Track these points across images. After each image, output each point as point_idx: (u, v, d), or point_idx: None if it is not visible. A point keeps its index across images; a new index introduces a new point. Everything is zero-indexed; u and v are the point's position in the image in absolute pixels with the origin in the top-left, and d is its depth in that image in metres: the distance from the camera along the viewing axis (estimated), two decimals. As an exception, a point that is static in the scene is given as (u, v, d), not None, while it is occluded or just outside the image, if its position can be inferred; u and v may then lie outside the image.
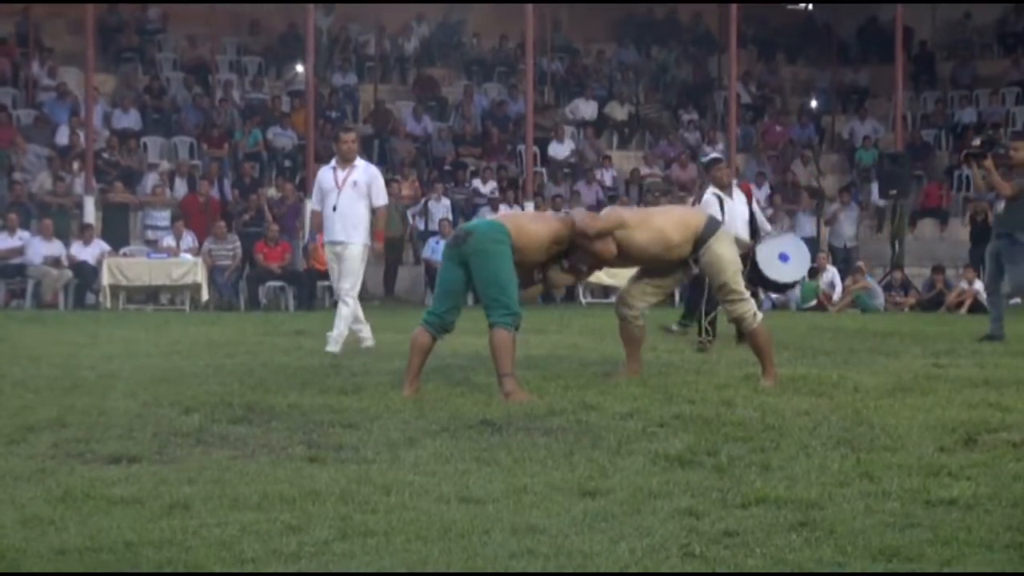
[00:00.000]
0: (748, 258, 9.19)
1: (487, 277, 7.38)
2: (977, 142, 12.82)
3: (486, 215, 18.66)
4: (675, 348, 10.51)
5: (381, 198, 10.62)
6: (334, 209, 10.38)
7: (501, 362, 7.31)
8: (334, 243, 10.48)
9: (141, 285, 18.43)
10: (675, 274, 8.27)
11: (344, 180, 10.42)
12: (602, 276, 19.09)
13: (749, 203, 11.26)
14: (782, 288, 10.31)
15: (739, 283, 8.00)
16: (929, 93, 26.98)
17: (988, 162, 11.87)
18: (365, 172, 10.60)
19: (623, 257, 7.96)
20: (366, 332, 10.73)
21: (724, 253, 7.94)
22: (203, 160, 21.93)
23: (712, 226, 8.02)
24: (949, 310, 18.46)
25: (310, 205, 10.87)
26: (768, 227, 11.30)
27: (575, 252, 7.82)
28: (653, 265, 8.12)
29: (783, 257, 8.91)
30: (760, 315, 8.12)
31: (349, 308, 10.49)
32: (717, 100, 26.27)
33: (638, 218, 8.07)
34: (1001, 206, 11.90)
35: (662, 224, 7.98)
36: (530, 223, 7.81)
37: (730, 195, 11.13)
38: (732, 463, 5.34)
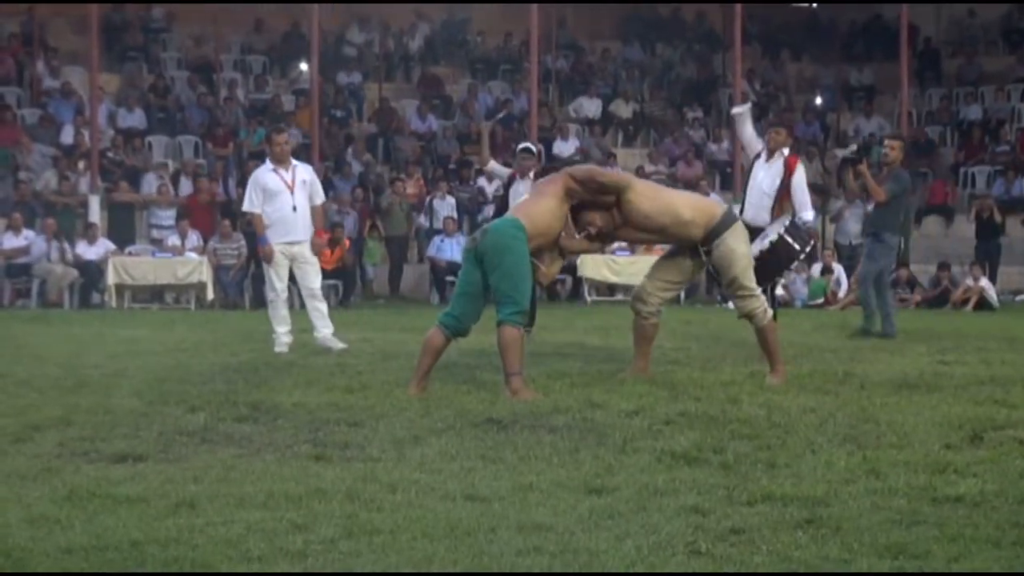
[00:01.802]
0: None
1: (502, 270, 7.36)
2: (853, 147, 13.19)
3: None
4: (681, 346, 10.50)
5: (321, 195, 10.86)
6: (294, 209, 10.44)
7: (509, 361, 7.31)
8: (295, 243, 10.49)
9: (146, 284, 18.45)
10: (688, 268, 8.24)
11: (293, 180, 10.51)
12: (607, 274, 19.20)
13: (787, 177, 9.98)
14: (778, 252, 8.97)
15: (750, 279, 7.97)
16: (934, 90, 26.93)
17: (863, 167, 12.31)
18: (307, 171, 10.83)
19: (632, 225, 7.84)
20: (287, 338, 10.51)
21: (737, 248, 7.91)
22: (208, 159, 21.93)
23: (728, 219, 7.97)
24: (955, 307, 18.43)
25: (249, 208, 10.66)
26: (807, 217, 10.10)
27: (579, 213, 7.75)
28: (664, 240, 8.07)
29: (765, 235, 8.86)
30: (771, 312, 8.10)
31: (325, 303, 10.68)
32: (722, 97, 26.22)
33: (647, 185, 8.21)
34: (871, 206, 12.50)
35: (675, 199, 8.03)
36: (535, 204, 7.71)
37: (766, 160, 10.09)
38: (738, 460, 5.34)
